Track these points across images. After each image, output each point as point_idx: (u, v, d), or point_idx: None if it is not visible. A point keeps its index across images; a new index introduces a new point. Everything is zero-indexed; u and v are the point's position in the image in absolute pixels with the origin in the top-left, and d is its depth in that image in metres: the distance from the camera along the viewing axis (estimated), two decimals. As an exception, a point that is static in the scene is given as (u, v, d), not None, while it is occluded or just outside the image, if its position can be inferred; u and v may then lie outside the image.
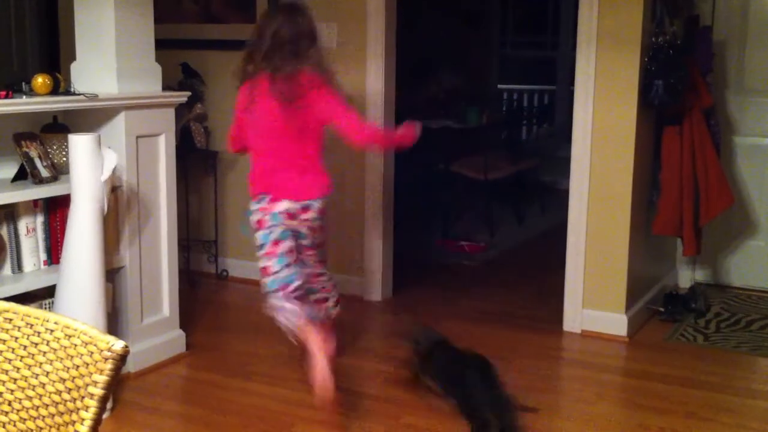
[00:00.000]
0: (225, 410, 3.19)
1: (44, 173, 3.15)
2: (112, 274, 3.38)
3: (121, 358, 1.14)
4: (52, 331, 1.31)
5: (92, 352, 1.21)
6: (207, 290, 4.76)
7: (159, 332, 3.62)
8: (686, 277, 4.87)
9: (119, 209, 3.38)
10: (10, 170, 3.21)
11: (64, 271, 3.02)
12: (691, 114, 4.12)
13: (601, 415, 3.23)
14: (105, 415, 3.08)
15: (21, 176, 3.17)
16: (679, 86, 3.92)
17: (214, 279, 4.93)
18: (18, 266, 3.13)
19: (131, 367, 3.47)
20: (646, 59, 3.89)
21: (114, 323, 3.44)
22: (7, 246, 3.08)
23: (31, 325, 1.28)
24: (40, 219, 3.19)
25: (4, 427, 1.32)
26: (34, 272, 3.17)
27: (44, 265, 3.22)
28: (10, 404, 1.32)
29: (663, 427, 3.09)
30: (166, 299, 3.65)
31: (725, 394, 3.42)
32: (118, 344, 1.13)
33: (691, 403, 3.30)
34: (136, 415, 3.16)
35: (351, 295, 4.58)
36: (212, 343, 3.91)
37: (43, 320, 1.27)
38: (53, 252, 3.23)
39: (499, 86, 9.01)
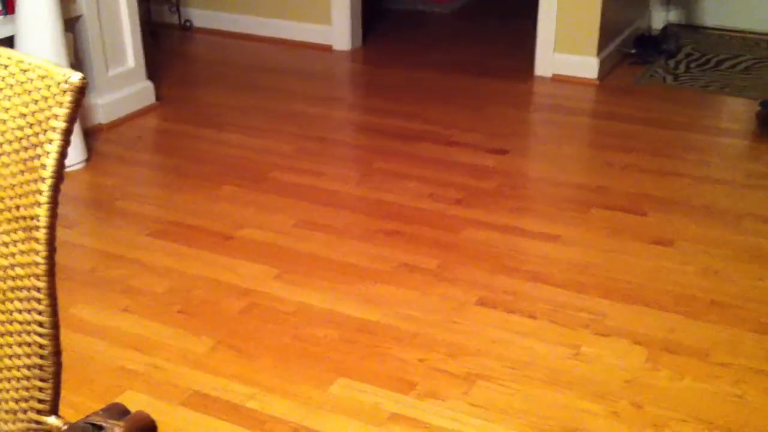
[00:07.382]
0: (200, 159, 3.23)
1: None
2: (71, 24, 3.27)
3: (80, 90, 1.11)
4: (6, 66, 1.27)
5: (50, 86, 1.18)
6: (171, 42, 4.65)
7: (126, 83, 3.57)
8: (660, 18, 4.80)
9: (72, -46, 3.21)
10: None
11: (21, 20, 2.91)
12: None
13: (569, 155, 3.30)
14: (80, 167, 3.11)
15: None
16: None
17: (178, 30, 4.79)
18: (-28, 17, 3.01)
19: (102, 118, 3.45)
20: None
21: (79, 75, 3.38)
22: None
23: (-15, 63, 1.25)
24: (-12, -34, 3.02)
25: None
26: (-11, 23, 3.06)
27: (0, 15, 3.09)
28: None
29: (628, 164, 3.17)
30: (130, 49, 3.56)
31: (691, 132, 3.49)
32: (75, 76, 1.10)
33: (657, 142, 3.38)
34: (111, 166, 3.19)
35: (320, 44, 4.51)
36: (182, 94, 3.87)
37: (-4, 56, 1.23)
38: (8, 1, 3.09)
39: None
